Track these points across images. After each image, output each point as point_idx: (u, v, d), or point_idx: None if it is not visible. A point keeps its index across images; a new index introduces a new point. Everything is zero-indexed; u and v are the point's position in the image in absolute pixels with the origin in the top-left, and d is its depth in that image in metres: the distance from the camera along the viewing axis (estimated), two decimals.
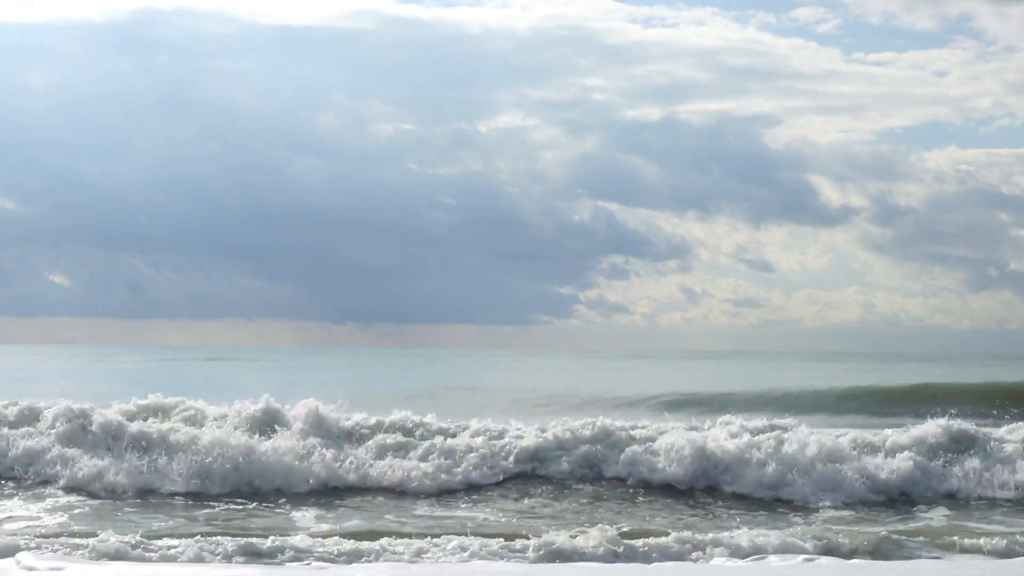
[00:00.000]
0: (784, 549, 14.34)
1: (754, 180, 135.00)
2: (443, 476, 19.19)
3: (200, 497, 17.98)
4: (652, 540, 14.49)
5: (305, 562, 13.38)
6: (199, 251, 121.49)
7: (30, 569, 12.47)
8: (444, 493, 18.73)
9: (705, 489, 19.19)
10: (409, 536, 14.66)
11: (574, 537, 14.41)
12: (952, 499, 18.91)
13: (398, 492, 18.70)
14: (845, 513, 17.77)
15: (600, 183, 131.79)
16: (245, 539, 14.13)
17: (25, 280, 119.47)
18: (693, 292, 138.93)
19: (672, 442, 19.88)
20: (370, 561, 13.46)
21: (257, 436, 19.84)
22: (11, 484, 18.87)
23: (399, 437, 20.56)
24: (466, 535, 14.58)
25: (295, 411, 20.90)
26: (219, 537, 14.17)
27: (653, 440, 20.31)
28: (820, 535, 14.90)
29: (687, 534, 14.75)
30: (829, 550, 14.40)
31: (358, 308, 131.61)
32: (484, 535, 14.69)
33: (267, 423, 20.61)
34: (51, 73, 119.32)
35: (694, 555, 14.14)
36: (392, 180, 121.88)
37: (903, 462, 19.63)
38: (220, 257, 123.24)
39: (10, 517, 16.07)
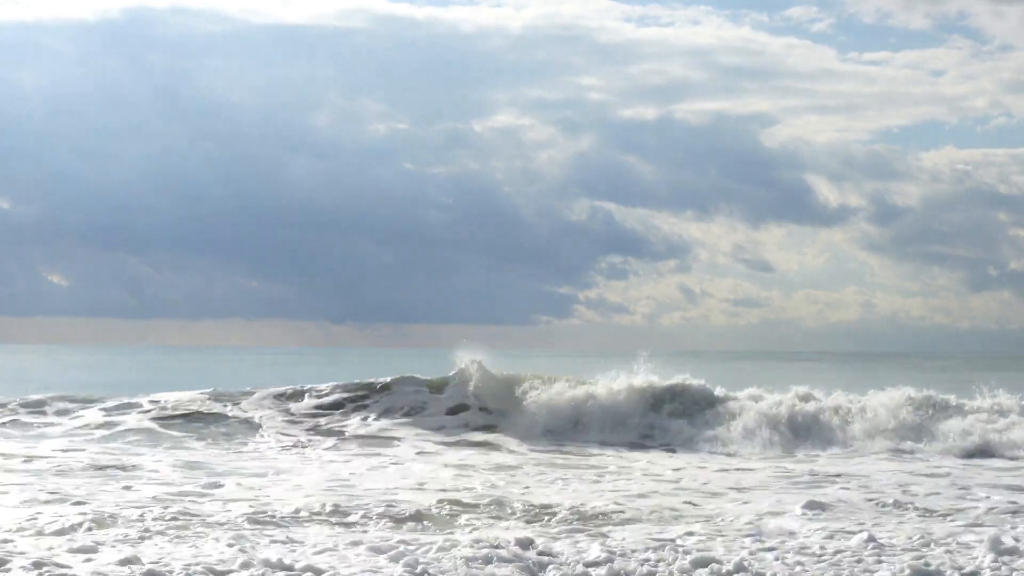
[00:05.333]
0: None
1: (751, 180, 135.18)
2: None
3: None
4: None
5: None
6: (196, 251, 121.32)
7: None
8: None
9: None
10: None
11: None
12: None
13: None
14: None
15: (597, 183, 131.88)
16: None
17: (23, 280, 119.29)
18: (692, 292, 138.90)
19: None
20: None
21: None
22: None
23: None
24: None
25: None
26: None
27: None
28: None
29: None
30: None
31: (358, 308, 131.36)
32: None
33: None
34: (44, 72, 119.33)
35: None
36: (388, 179, 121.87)
37: None
38: (218, 257, 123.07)
39: None
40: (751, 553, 12.33)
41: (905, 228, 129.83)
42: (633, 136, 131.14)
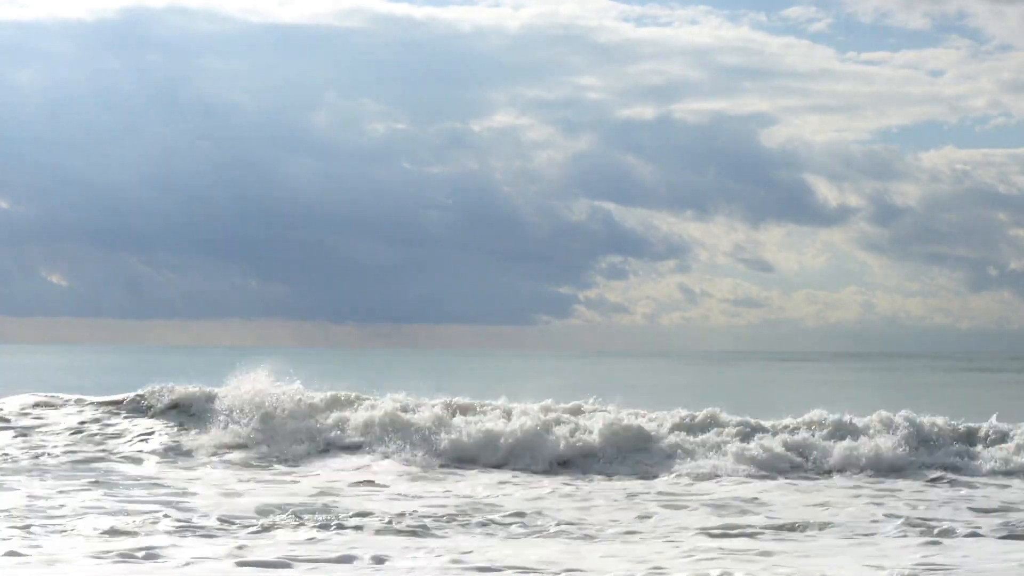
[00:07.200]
0: None
1: (750, 180, 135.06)
2: None
3: None
4: None
5: None
6: (196, 251, 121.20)
7: None
8: None
9: None
10: None
11: None
12: None
13: None
14: None
15: (596, 182, 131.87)
16: None
17: (23, 280, 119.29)
18: (692, 292, 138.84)
19: None
20: None
21: None
22: None
23: None
24: None
25: None
26: None
27: None
28: None
29: None
30: None
31: (358, 308, 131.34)
32: None
33: None
34: (42, 72, 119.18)
35: None
36: (387, 179, 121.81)
37: None
38: (217, 257, 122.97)
39: None
40: None
41: (905, 228, 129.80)
42: (632, 136, 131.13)
